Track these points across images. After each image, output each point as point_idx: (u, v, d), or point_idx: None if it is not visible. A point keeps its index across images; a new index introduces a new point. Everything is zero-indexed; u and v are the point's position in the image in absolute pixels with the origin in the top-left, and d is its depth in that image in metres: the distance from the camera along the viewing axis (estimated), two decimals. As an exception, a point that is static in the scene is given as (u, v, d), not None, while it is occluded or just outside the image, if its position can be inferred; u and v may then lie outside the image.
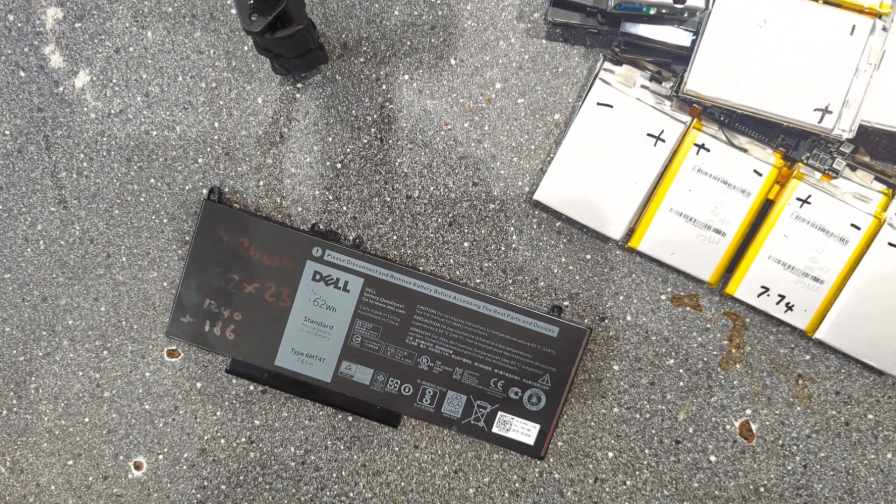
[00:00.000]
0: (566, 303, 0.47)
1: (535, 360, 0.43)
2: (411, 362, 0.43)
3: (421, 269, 0.46)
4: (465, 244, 0.48)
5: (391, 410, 0.45)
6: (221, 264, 0.44)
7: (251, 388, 0.49)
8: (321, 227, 0.45)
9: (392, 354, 0.43)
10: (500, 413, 0.44)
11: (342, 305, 0.43)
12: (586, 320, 0.47)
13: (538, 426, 0.44)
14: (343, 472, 0.49)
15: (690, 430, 0.48)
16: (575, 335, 0.44)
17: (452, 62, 0.48)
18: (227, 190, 0.48)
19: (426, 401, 0.44)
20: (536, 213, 0.48)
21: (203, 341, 0.46)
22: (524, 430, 0.44)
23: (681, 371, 0.48)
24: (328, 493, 0.49)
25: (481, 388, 0.43)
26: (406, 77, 0.48)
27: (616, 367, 0.48)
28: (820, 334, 0.45)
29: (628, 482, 0.48)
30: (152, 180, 0.48)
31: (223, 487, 0.49)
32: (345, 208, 0.48)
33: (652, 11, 0.42)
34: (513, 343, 0.43)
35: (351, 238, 0.46)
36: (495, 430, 0.44)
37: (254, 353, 0.45)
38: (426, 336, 0.43)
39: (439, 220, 0.48)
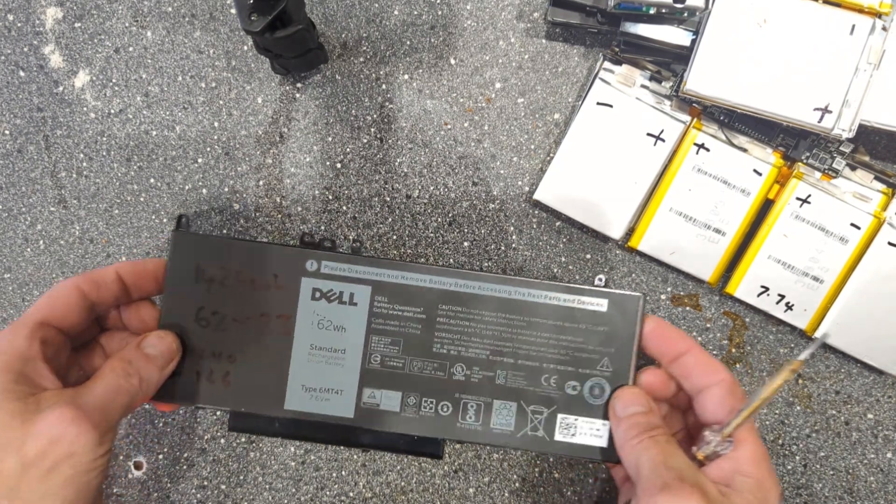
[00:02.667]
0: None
1: (588, 342, 0.37)
2: (444, 374, 0.37)
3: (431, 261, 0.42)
4: (465, 244, 0.48)
5: (431, 438, 0.37)
6: (204, 301, 0.37)
7: (251, 387, 0.49)
8: (312, 236, 0.39)
9: (420, 369, 0.37)
10: (560, 415, 0.37)
11: (352, 322, 0.37)
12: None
13: (608, 422, 0.37)
14: (343, 472, 0.49)
15: (690, 430, 0.48)
16: (628, 305, 0.37)
17: (452, 62, 0.48)
18: (226, 190, 0.48)
19: (470, 417, 0.37)
20: (536, 212, 0.48)
21: (194, 397, 0.37)
22: (593, 431, 0.37)
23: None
24: (328, 493, 0.49)
25: (532, 388, 0.37)
26: (406, 77, 0.48)
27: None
28: (820, 334, 0.45)
29: (628, 482, 0.48)
30: (152, 180, 0.48)
31: (223, 487, 0.49)
32: (345, 208, 0.48)
33: (652, 11, 0.42)
34: (558, 328, 0.37)
35: (350, 239, 0.45)
36: (559, 437, 0.37)
37: (258, 400, 0.37)
38: (455, 340, 0.37)
39: (439, 219, 0.48)
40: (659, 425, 0.33)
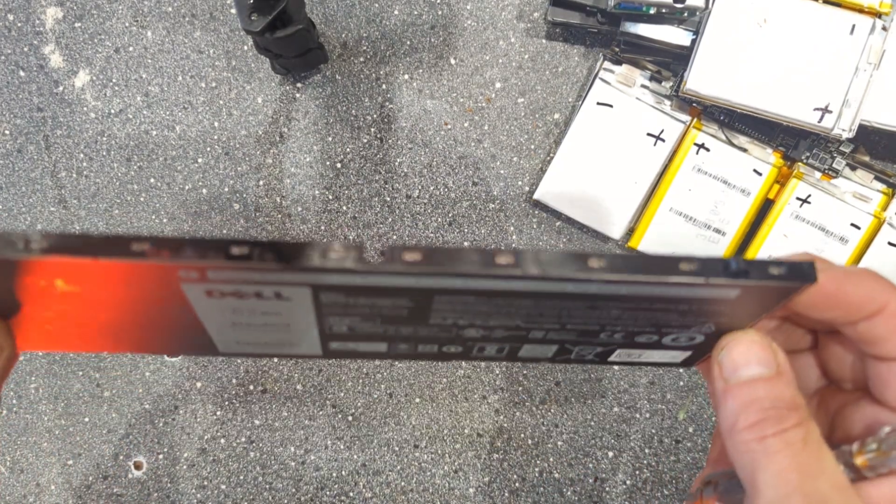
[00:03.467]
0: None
1: (687, 318, 0.23)
2: (449, 334, 0.24)
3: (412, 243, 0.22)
4: (465, 244, 0.48)
5: None
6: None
7: (251, 387, 0.49)
8: (152, 243, 0.17)
9: (412, 334, 0.24)
10: (619, 350, 0.25)
11: (289, 311, 0.23)
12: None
13: (688, 352, 0.25)
14: (343, 472, 0.49)
15: (690, 430, 0.48)
16: (776, 292, 0.20)
17: (452, 62, 0.48)
18: (226, 190, 0.48)
19: (489, 354, 0.25)
20: (536, 212, 0.48)
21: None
22: (666, 358, 0.26)
23: (681, 370, 0.48)
24: (328, 493, 0.49)
25: (582, 339, 0.24)
26: (406, 77, 0.48)
27: (616, 367, 0.48)
28: (820, 334, 0.45)
29: (628, 482, 0.48)
30: (152, 180, 0.48)
31: (223, 487, 0.49)
32: (345, 208, 0.48)
33: (652, 11, 0.42)
34: (641, 308, 0.22)
35: (251, 244, 0.18)
36: (614, 359, 0.26)
37: (182, 345, 0.25)
38: (466, 317, 0.22)
39: (439, 219, 0.48)
40: (796, 406, 0.19)
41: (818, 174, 0.44)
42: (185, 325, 0.22)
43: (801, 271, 0.18)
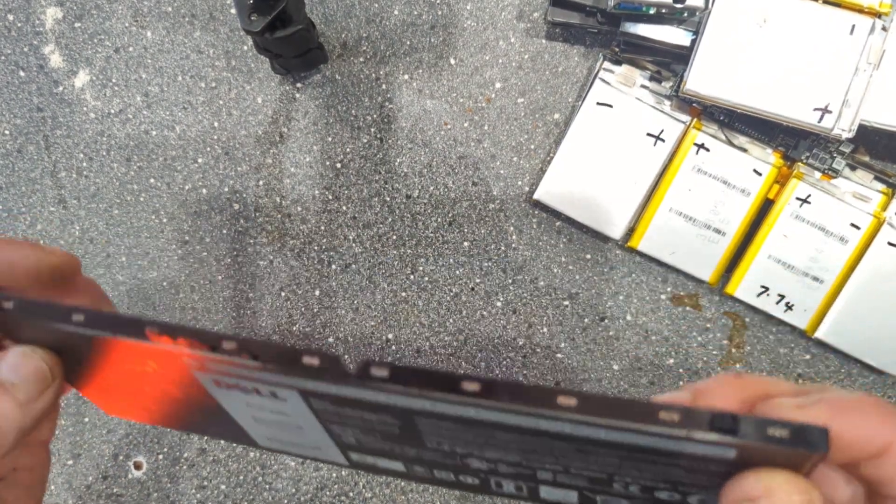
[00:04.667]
0: (566, 302, 0.47)
1: (695, 474, 0.20)
2: (454, 461, 0.23)
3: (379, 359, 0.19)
4: (465, 244, 0.48)
5: None
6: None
7: (251, 387, 0.49)
8: (158, 328, 0.18)
9: (417, 454, 0.23)
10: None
11: (292, 412, 0.22)
12: (586, 319, 0.47)
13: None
14: (343, 472, 0.49)
15: (690, 430, 0.48)
16: (782, 457, 0.16)
17: (452, 62, 0.48)
18: (226, 190, 0.48)
19: (509, 488, 0.24)
20: (536, 212, 0.48)
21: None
22: None
23: (681, 371, 0.48)
24: (328, 493, 0.49)
25: (598, 487, 0.22)
26: (406, 77, 0.48)
27: (616, 367, 0.48)
28: (820, 334, 0.45)
29: (628, 482, 0.48)
30: (152, 180, 0.48)
31: (223, 487, 0.49)
32: (344, 208, 0.48)
33: (652, 11, 0.42)
34: (636, 459, 0.19)
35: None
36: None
37: (222, 433, 0.25)
38: (458, 444, 0.21)
39: (439, 219, 0.48)
40: None
41: (818, 174, 0.44)
42: (216, 414, 0.23)
43: (809, 439, 0.15)
